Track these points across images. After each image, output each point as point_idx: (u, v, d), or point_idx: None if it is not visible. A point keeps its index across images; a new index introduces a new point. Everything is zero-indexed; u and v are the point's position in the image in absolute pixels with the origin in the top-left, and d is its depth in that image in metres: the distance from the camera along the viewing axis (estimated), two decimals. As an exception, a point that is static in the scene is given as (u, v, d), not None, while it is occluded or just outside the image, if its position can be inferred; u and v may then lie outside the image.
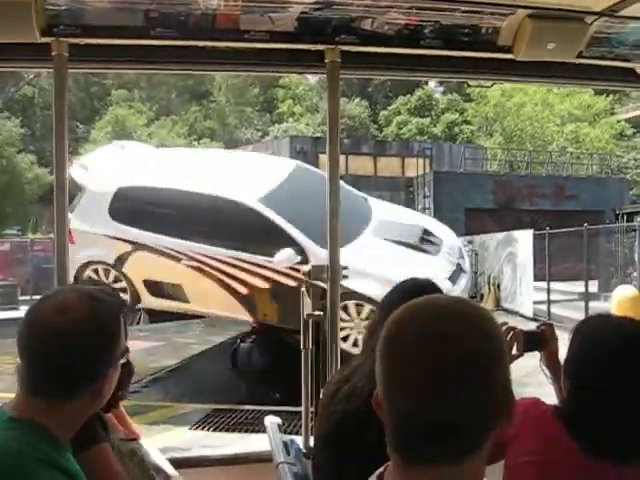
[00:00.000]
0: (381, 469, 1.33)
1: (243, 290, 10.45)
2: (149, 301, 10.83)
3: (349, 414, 2.25)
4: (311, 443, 3.26)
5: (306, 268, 3.19)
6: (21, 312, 24.57)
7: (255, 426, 9.21)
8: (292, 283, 9.64)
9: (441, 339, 1.18)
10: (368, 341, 2.40)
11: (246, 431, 9.16)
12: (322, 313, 3.13)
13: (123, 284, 10.43)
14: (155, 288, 10.62)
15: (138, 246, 10.46)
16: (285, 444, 2.69)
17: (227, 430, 9.30)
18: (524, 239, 21.18)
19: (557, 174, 32.59)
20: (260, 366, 11.59)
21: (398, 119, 45.10)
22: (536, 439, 1.97)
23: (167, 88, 45.77)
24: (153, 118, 42.21)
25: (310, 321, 3.12)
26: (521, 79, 3.99)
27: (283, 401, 9.60)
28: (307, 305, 3.18)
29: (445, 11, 3.14)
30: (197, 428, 9.40)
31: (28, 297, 25.83)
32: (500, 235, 23.66)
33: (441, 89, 50.50)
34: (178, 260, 10.41)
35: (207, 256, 10.40)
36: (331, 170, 3.14)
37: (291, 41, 3.04)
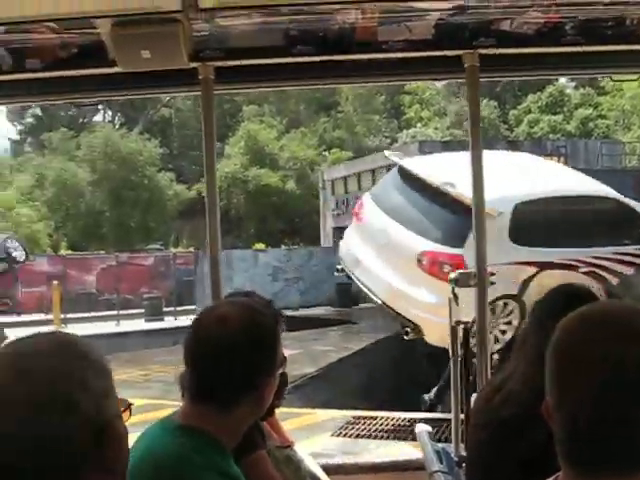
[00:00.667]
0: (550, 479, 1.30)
1: None
2: None
3: (504, 421, 2.20)
4: (462, 451, 3.23)
5: (453, 275, 3.16)
6: (166, 323, 25.72)
7: (397, 433, 9.20)
8: None
9: (618, 344, 1.15)
10: (520, 348, 2.35)
11: (387, 438, 9.15)
12: (470, 320, 3.10)
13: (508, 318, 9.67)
14: None
15: (543, 266, 9.48)
16: (438, 452, 2.68)
17: (369, 437, 9.31)
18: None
19: None
20: None
21: (529, 118, 43.84)
22: None
23: (296, 101, 46.67)
24: (283, 131, 43.12)
25: (458, 328, 3.10)
26: (670, 70, 3.78)
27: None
28: (455, 312, 3.16)
29: (586, 6, 3.04)
30: (339, 435, 9.47)
31: (172, 308, 27.01)
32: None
33: (573, 84, 48.70)
34: (576, 269, 9.58)
35: (596, 257, 9.79)
36: (475, 173, 3.11)
37: (429, 48, 3.04)
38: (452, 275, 3.17)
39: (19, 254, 17.42)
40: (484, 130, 42.53)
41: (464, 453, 3.20)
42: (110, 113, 45.77)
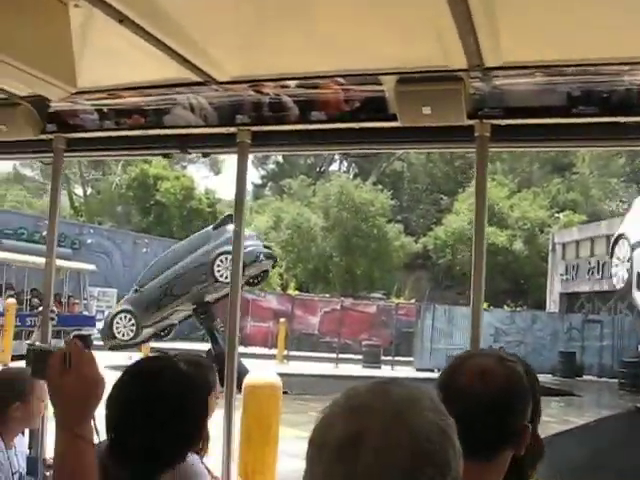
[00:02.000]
0: None
1: None
2: None
3: None
4: None
5: None
6: (383, 371, 25.99)
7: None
8: None
9: None
10: None
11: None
12: None
13: None
14: None
15: None
16: None
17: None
18: None
19: None
20: None
21: None
22: None
23: (529, 160, 45.72)
24: (515, 190, 42.34)
25: None
26: None
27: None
28: None
29: None
30: (560, 514, 8.93)
31: (390, 357, 27.24)
32: None
33: None
34: None
35: None
36: None
37: None
38: None
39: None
40: None
41: None
42: (345, 164, 47.70)
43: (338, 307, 30.53)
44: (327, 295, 33.77)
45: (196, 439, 2.08)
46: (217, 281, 17.15)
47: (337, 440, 1.08)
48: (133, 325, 18.13)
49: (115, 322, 18.19)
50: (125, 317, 18.18)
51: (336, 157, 47.13)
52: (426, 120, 3.05)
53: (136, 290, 18.56)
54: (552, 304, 33.46)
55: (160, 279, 17.93)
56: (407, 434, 1.08)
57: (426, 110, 2.99)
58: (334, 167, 48.16)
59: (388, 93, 3.11)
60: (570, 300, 32.82)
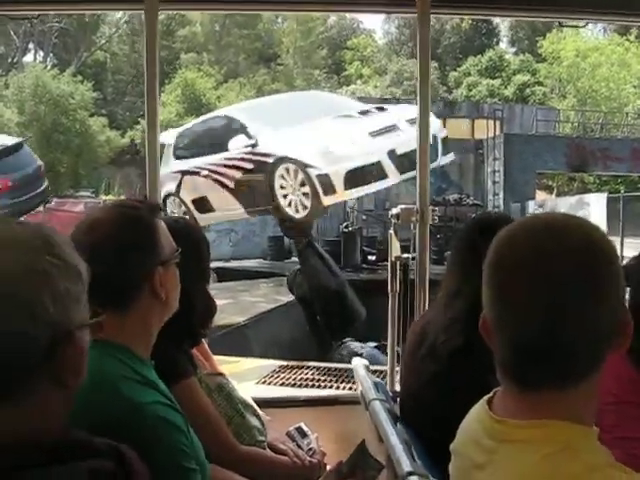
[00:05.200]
0: (489, 395, 1.31)
1: None
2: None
3: (435, 373, 2.21)
4: (396, 386, 3.26)
5: (394, 210, 3.15)
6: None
7: (322, 382, 9.30)
8: None
9: (551, 257, 1.15)
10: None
11: (312, 387, 9.24)
12: (410, 256, 3.10)
13: None
14: None
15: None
16: (375, 384, 2.69)
17: (293, 386, 9.37)
18: (597, 203, 20.61)
19: (633, 137, 31.48)
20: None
21: (468, 80, 44.21)
22: (610, 378, 1.91)
23: (235, 51, 45.88)
24: (222, 81, 42.39)
25: (397, 264, 3.10)
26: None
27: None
28: (395, 247, 3.15)
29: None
30: (264, 383, 9.51)
31: (101, 256, 26.55)
32: (572, 199, 23.06)
33: (513, 50, 49.32)
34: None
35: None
36: (421, 109, 3.08)
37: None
38: (393, 210, 3.16)
39: None
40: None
41: (398, 388, 3.24)
42: (42, 54, 44.08)
43: (41, 208, 28.84)
44: (30, 196, 31.70)
45: None
46: None
47: None
48: None
49: None
50: None
51: (30, 47, 43.39)
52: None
53: None
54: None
55: None
56: None
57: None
58: (29, 58, 44.29)
59: (44, -55, 2.79)
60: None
